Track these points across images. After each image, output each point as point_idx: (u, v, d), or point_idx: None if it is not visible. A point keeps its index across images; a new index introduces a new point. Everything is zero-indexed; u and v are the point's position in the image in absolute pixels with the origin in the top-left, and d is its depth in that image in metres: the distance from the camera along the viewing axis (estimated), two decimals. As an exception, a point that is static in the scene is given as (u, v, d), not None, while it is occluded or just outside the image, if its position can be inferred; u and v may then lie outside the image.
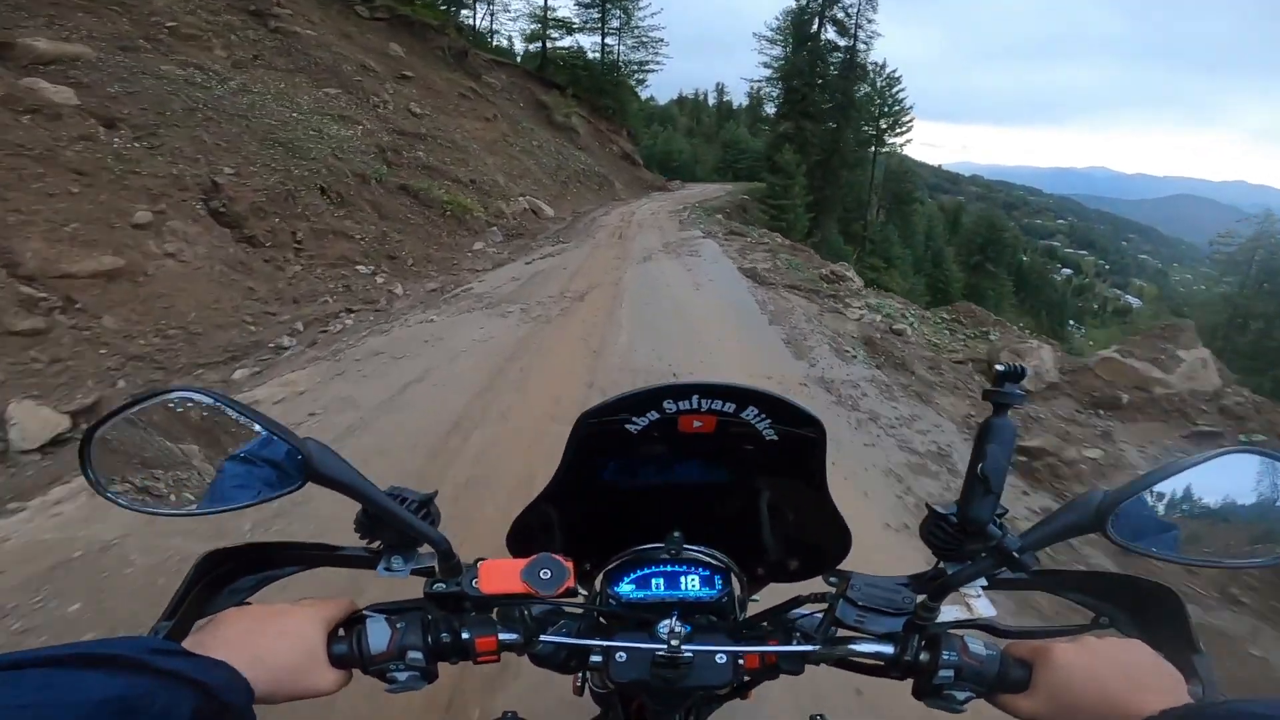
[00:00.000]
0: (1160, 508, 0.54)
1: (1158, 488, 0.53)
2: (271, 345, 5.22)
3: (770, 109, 45.63)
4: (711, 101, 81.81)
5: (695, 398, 0.62)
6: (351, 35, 16.86)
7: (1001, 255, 54.65)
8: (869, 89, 37.33)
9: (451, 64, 21.87)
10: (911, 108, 38.99)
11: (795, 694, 1.75)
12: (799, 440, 0.66)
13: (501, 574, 0.57)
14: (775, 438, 0.65)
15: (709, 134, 70.32)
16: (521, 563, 0.57)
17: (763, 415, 0.63)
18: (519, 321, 6.30)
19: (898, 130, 39.06)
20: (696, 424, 0.64)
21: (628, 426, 0.64)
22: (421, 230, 10.08)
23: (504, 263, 10.06)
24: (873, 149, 39.04)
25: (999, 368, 0.54)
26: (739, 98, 79.60)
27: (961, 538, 0.58)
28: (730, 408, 0.62)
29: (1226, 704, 0.42)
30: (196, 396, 0.51)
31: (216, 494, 0.53)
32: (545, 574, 0.56)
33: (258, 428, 0.52)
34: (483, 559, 0.60)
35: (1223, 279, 34.73)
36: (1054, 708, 0.52)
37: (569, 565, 0.57)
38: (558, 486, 0.71)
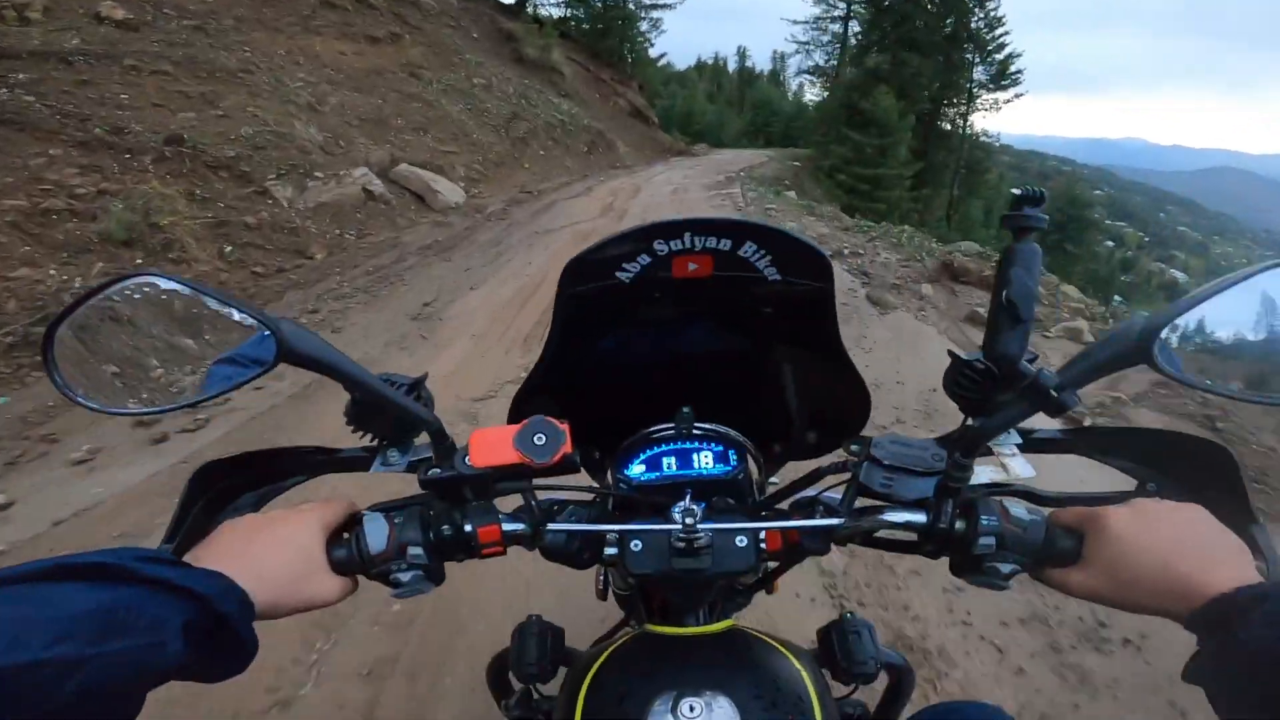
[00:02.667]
0: (1211, 333, 0.49)
1: (1204, 309, 0.46)
2: None
3: (799, 70, 34.71)
4: (732, 66, 71.31)
5: (688, 235, 0.56)
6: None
7: (1083, 235, 43.89)
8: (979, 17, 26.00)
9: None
10: (1020, 54, 27.46)
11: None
12: (804, 293, 0.60)
13: (492, 443, 0.53)
14: (778, 279, 0.59)
15: (731, 99, 59.61)
16: (513, 429, 0.53)
17: (761, 251, 0.57)
18: None
19: (1004, 82, 27.58)
20: (691, 266, 0.58)
21: (619, 275, 0.59)
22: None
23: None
24: (964, 105, 27.72)
25: (1015, 191, 0.49)
26: (762, 62, 68.66)
27: (991, 386, 0.52)
28: (726, 244, 0.57)
29: None
30: (159, 281, 0.47)
31: (186, 385, 0.49)
32: (539, 439, 0.52)
33: (227, 309, 0.47)
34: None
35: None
36: (1109, 581, 0.47)
37: (564, 428, 0.53)
38: (554, 350, 0.65)
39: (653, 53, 34.21)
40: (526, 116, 14.95)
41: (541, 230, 7.53)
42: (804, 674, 0.53)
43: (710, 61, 73.62)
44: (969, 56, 26.05)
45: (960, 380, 0.53)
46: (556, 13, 28.01)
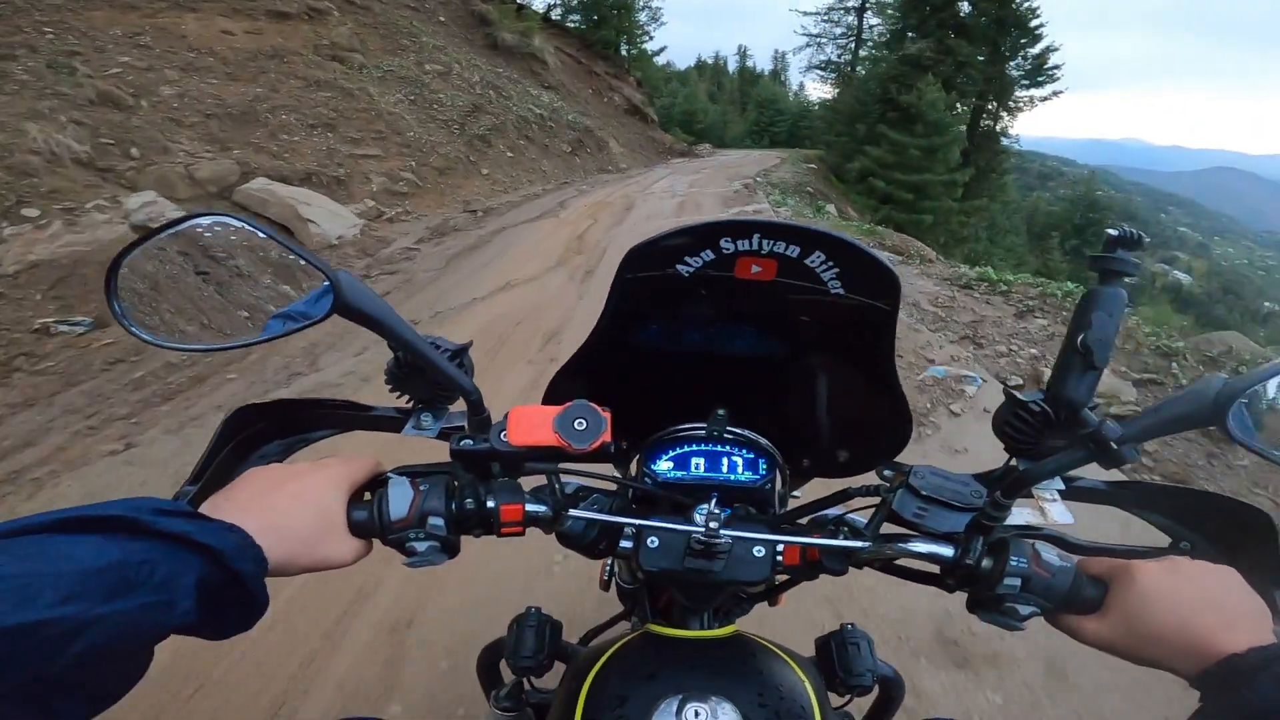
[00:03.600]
0: None
1: None
2: None
3: (809, 65, 31.46)
4: (733, 66, 67.90)
5: (756, 236, 0.53)
6: None
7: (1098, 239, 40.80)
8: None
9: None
10: (1058, 47, 23.64)
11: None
12: (865, 310, 0.57)
13: (532, 422, 0.51)
14: (841, 293, 0.56)
15: (732, 99, 56.63)
16: (554, 410, 0.51)
17: (829, 263, 0.55)
18: None
19: (1040, 79, 24.11)
20: (755, 269, 0.56)
21: (679, 268, 0.56)
22: None
23: None
24: (1008, 102, 24.29)
25: (1111, 232, 0.47)
26: (763, 62, 65.83)
27: (1043, 430, 0.51)
28: (794, 251, 0.54)
29: None
30: (228, 220, 0.47)
31: (243, 325, 0.49)
32: (580, 424, 0.50)
33: (293, 256, 0.47)
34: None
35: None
36: (1126, 633, 0.46)
37: (606, 415, 0.51)
38: (602, 334, 0.63)
39: (652, 46, 31.09)
40: (493, 110, 11.97)
41: (433, 315, 4.29)
42: (806, 683, 0.52)
43: (711, 61, 70.86)
44: (1010, 47, 22.47)
45: (1013, 420, 0.52)
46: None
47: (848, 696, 0.63)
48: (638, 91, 26.79)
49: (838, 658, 0.62)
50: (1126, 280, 0.47)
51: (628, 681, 0.51)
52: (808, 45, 33.03)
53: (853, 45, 31.27)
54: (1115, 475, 0.54)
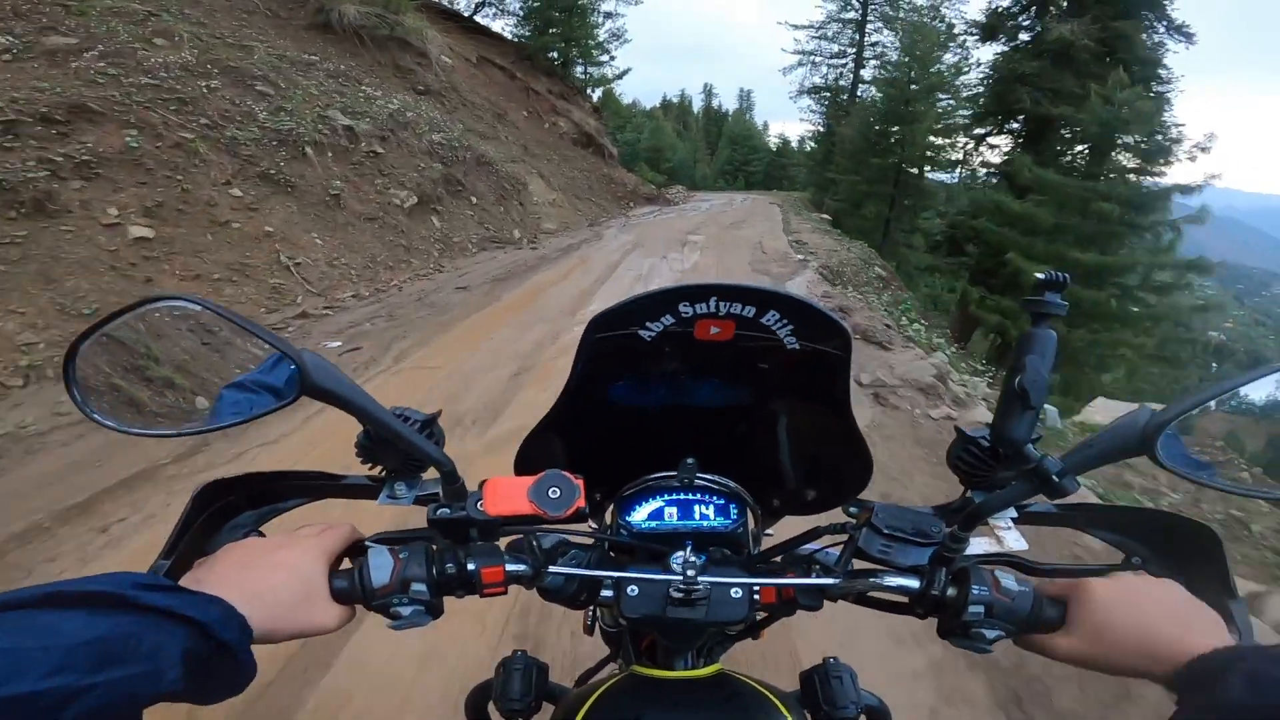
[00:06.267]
0: (1217, 430, 0.50)
1: (1209, 407, 0.46)
2: None
3: (800, 89, 25.54)
4: (698, 106, 62.80)
5: (713, 300, 0.55)
6: None
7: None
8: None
9: None
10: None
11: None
12: (820, 356, 0.59)
13: (508, 493, 0.52)
14: (796, 347, 0.58)
15: (697, 138, 51.16)
16: (528, 481, 0.52)
17: (784, 320, 0.56)
18: None
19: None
20: (714, 330, 0.57)
21: (640, 333, 0.57)
22: None
23: None
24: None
25: (1039, 276, 0.49)
26: (728, 101, 61.32)
27: (993, 464, 0.54)
28: (750, 311, 0.55)
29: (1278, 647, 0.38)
30: (185, 304, 0.46)
31: (209, 411, 0.48)
32: (554, 493, 0.51)
33: (252, 337, 0.46)
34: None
35: None
36: (1091, 646, 0.47)
37: (579, 483, 0.52)
38: (568, 400, 0.62)
39: (614, 69, 24.68)
40: (264, 114, 4.93)
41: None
42: (789, 719, 0.52)
43: (676, 100, 65.64)
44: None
45: (964, 455, 0.55)
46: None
47: None
48: (591, 117, 20.21)
49: (821, 691, 0.62)
50: (1054, 320, 0.49)
51: None
52: (800, 64, 26.99)
53: (851, 65, 25.48)
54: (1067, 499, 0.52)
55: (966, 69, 18.12)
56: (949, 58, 18.22)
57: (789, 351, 0.57)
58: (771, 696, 0.54)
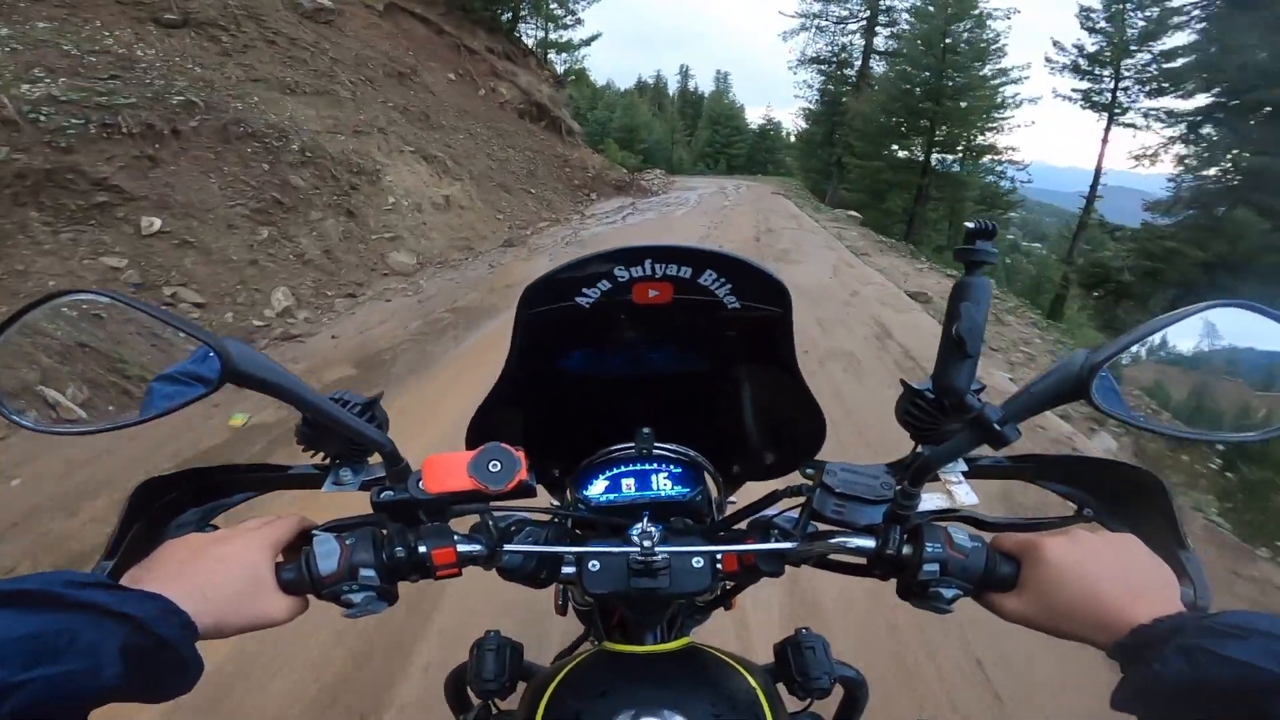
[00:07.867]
0: (1149, 372, 0.50)
1: (1142, 348, 0.47)
2: None
3: (800, 59, 21.54)
4: (673, 88, 59.21)
5: (648, 262, 0.54)
6: None
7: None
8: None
9: None
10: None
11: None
12: (763, 315, 0.59)
13: (446, 469, 0.50)
14: (738, 307, 0.58)
15: (675, 121, 46.84)
16: (468, 455, 0.50)
17: (721, 279, 0.56)
18: None
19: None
20: (652, 293, 0.57)
21: (579, 300, 0.57)
22: None
23: None
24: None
25: (969, 225, 0.47)
26: (704, 84, 57.39)
27: (939, 416, 0.54)
28: (686, 272, 0.55)
29: (1223, 616, 0.37)
30: (93, 297, 0.45)
31: (128, 405, 0.47)
32: (494, 466, 0.50)
33: (168, 328, 0.45)
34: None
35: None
36: (1042, 608, 0.46)
37: (520, 455, 0.51)
38: (513, 370, 0.62)
39: (581, 34, 20.15)
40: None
41: None
42: (759, 691, 0.52)
43: (651, 81, 60.82)
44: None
45: (910, 409, 0.54)
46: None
47: (808, 700, 0.63)
48: (545, 84, 15.82)
49: (794, 662, 0.62)
50: (987, 268, 0.48)
51: (581, 699, 0.51)
52: (803, 28, 22.72)
53: (862, 32, 21.38)
54: (1017, 449, 0.52)
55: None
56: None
57: (730, 311, 0.57)
58: (741, 668, 0.54)
